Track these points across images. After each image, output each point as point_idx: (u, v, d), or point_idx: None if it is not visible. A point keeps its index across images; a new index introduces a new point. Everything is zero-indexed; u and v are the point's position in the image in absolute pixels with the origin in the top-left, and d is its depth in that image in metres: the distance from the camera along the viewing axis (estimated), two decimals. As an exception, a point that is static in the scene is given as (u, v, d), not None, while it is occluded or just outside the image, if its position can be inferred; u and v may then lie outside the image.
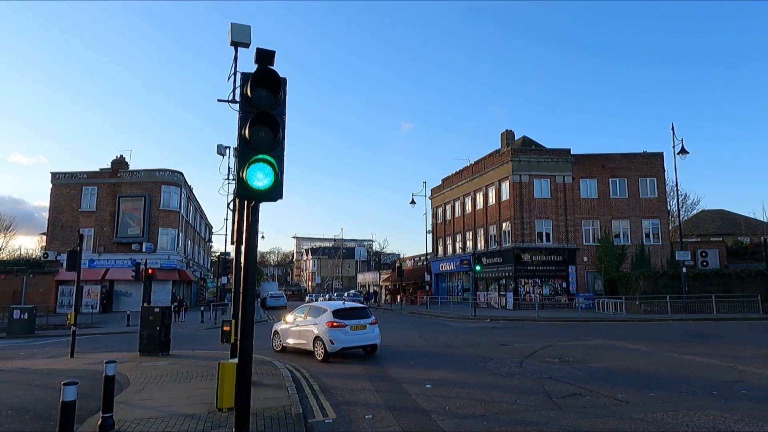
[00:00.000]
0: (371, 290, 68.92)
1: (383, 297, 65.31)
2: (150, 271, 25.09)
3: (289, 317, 15.30)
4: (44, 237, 44.48)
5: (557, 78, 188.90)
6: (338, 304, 14.47)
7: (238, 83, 8.65)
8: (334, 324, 13.11)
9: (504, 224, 38.42)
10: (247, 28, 7.53)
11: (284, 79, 5.32)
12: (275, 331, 15.69)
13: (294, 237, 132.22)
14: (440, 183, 50.88)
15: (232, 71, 8.99)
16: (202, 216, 59.27)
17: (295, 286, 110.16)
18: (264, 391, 9.21)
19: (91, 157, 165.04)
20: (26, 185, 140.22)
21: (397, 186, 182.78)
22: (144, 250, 39.62)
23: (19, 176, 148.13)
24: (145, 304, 17.85)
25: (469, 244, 43.55)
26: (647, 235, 36.62)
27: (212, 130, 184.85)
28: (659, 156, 37.66)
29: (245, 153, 5.04)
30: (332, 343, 12.99)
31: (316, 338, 13.42)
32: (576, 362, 12.31)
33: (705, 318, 25.00)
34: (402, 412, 8.03)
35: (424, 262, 53.27)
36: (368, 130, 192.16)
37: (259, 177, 4.94)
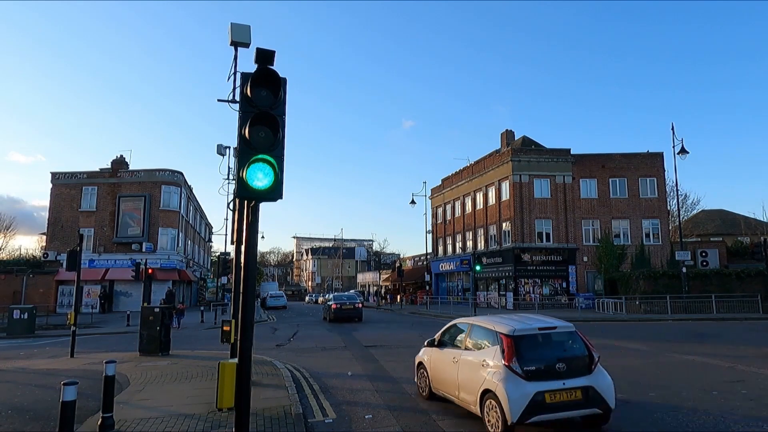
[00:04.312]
0: (380, 290, 67.54)
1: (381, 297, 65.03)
2: (150, 271, 25.08)
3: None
4: (44, 237, 44.46)
5: (559, 76, 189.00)
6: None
7: (238, 83, 8.65)
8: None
9: (504, 224, 38.43)
10: (247, 28, 7.53)
11: (284, 79, 5.32)
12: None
13: (294, 237, 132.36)
14: (440, 183, 50.90)
15: (232, 71, 9.00)
16: (202, 216, 59.27)
17: (295, 286, 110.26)
18: (264, 391, 9.22)
19: (91, 157, 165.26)
20: (25, 184, 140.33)
21: (398, 186, 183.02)
22: (144, 250, 39.61)
23: (17, 175, 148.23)
24: (145, 304, 17.84)
25: (469, 244, 43.56)
26: (647, 235, 36.63)
27: (212, 130, 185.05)
28: (659, 156, 37.68)
29: (245, 153, 5.04)
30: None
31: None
32: (576, 362, 12.29)
33: (705, 318, 25.00)
34: (402, 412, 8.04)
35: (424, 262, 53.28)
36: (369, 129, 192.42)
37: (259, 177, 4.94)
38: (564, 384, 6.54)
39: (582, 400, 6.57)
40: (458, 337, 8.20)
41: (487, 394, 6.80)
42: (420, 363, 9.25)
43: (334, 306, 27.92)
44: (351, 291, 65.71)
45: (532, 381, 6.47)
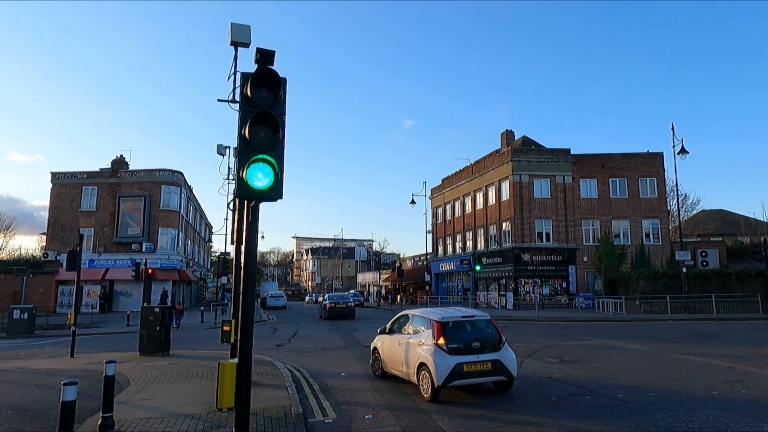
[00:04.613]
0: (381, 290, 67.31)
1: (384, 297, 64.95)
2: (150, 271, 25.11)
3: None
4: (44, 237, 44.46)
5: (559, 76, 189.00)
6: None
7: (238, 83, 8.64)
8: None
9: (504, 224, 38.43)
10: (247, 28, 7.53)
11: (284, 79, 5.32)
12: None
13: (294, 237, 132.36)
14: (440, 183, 50.89)
15: (232, 71, 9.00)
16: (202, 216, 59.27)
17: (295, 286, 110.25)
18: (264, 391, 9.22)
19: (91, 157, 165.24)
20: (24, 184, 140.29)
21: (398, 186, 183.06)
22: (144, 250, 39.61)
23: (17, 175, 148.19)
24: (145, 304, 17.85)
25: (469, 244, 43.56)
26: (647, 235, 36.62)
27: (212, 130, 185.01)
28: (659, 156, 37.67)
29: (245, 153, 5.05)
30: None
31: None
32: (576, 362, 12.31)
33: (705, 318, 25.00)
34: (402, 412, 8.04)
35: (424, 262, 53.28)
36: (369, 129, 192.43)
37: (259, 177, 4.95)
38: (478, 358, 8.68)
39: (491, 370, 8.73)
40: (404, 326, 10.25)
41: (421, 366, 8.87)
42: (374, 348, 11.25)
43: (328, 305, 31.41)
44: (351, 291, 65.79)
45: (453, 355, 8.55)
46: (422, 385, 8.86)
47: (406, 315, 10.59)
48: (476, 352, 8.75)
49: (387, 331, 10.76)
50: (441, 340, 8.67)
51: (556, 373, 10.84)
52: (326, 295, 39.76)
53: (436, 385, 8.41)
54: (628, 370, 11.14)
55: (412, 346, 9.47)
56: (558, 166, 37.43)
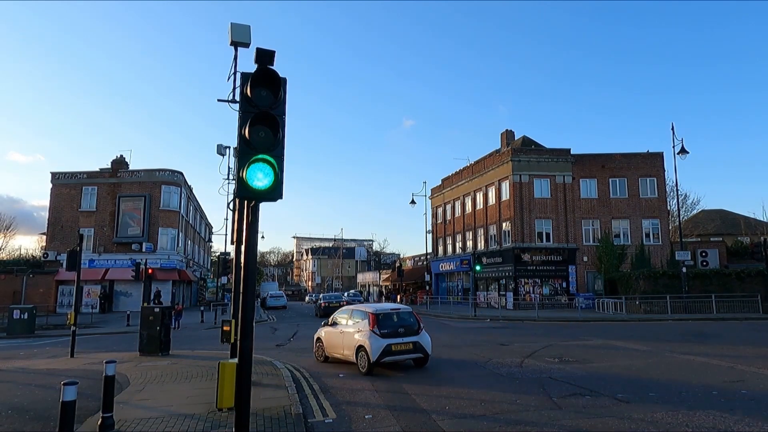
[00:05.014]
0: (382, 289, 67.07)
1: (385, 297, 64.86)
2: (150, 271, 25.06)
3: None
4: (44, 237, 44.45)
5: (559, 76, 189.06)
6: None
7: (238, 83, 8.64)
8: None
9: (504, 224, 38.42)
10: (247, 28, 7.53)
11: (284, 79, 5.32)
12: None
13: (294, 237, 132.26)
14: (440, 183, 50.88)
15: (232, 71, 9.00)
16: (202, 216, 59.26)
17: (295, 286, 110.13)
18: (264, 391, 9.22)
19: (91, 157, 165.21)
20: (24, 184, 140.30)
21: (398, 186, 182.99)
22: (144, 250, 39.60)
23: (17, 175, 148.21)
24: (145, 304, 17.85)
25: (469, 244, 43.54)
26: (647, 235, 36.60)
27: (212, 130, 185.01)
28: (659, 156, 37.65)
29: (245, 153, 5.05)
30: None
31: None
32: (576, 362, 12.32)
33: (705, 318, 24.99)
34: (402, 412, 8.04)
35: (424, 262, 53.26)
36: (369, 129, 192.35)
37: (259, 177, 4.95)
38: (403, 340, 11.38)
39: (413, 349, 11.52)
40: (343, 319, 12.85)
41: (360, 348, 11.46)
42: (318, 338, 13.73)
43: (323, 304, 35.04)
44: (351, 291, 65.79)
45: (384, 338, 11.20)
46: (360, 363, 11.42)
47: (346, 310, 13.18)
48: (401, 335, 11.43)
49: (329, 324, 13.27)
50: (375, 327, 11.31)
51: (556, 373, 10.84)
52: (321, 295, 43.03)
53: (371, 361, 10.99)
54: (628, 370, 11.14)
55: (351, 334, 11.90)
56: (558, 166, 37.42)
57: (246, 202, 5.35)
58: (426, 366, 12.13)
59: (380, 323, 11.39)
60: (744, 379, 10.00)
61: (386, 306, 12.71)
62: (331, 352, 12.88)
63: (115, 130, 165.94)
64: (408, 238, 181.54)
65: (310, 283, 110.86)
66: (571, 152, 37.83)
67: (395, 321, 11.71)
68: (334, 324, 13.00)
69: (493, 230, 40.13)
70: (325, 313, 33.13)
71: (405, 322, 11.78)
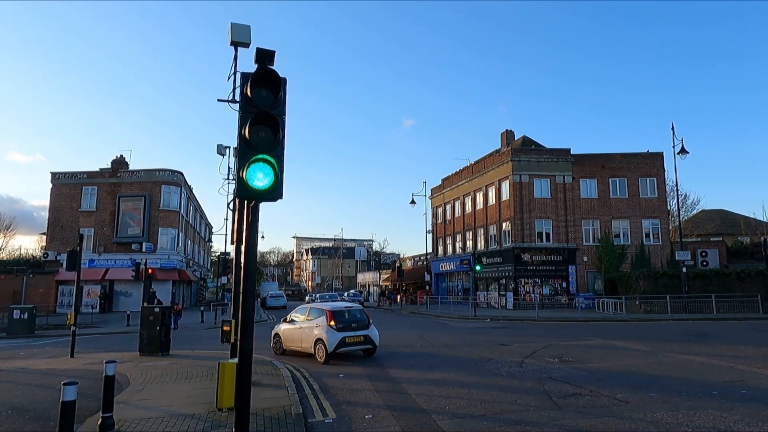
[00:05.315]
0: (383, 289, 66.93)
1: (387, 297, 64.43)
2: (150, 271, 25.05)
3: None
4: (44, 237, 44.44)
5: (559, 76, 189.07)
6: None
7: (238, 83, 8.64)
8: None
9: (504, 224, 38.42)
10: (247, 28, 7.53)
11: (284, 79, 5.32)
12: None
13: (294, 237, 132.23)
14: (440, 183, 50.88)
15: (232, 71, 8.99)
16: (202, 216, 59.24)
17: (295, 286, 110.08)
18: (264, 391, 9.22)
19: (90, 157, 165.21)
20: (24, 184, 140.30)
21: (398, 186, 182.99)
22: (144, 250, 39.59)
23: (17, 175, 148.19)
24: (145, 304, 17.85)
25: (469, 244, 43.54)
26: (647, 235, 36.60)
27: (212, 130, 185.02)
28: (659, 156, 37.65)
29: (245, 153, 5.05)
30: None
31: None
32: (576, 362, 12.32)
33: (705, 318, 24.99)
34: (402, 412, 8.04)
35: (424, 262, 53.25)
36: (369, 129, 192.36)
37: (259, 177, 4.95)
38: (355, 333, 13.22)
39: (363, 341, 13.36)
40: (301, 316, 14.43)
41: (318, 341, 13.10)
42: (276, 334, 15.18)
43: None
44: (351, 291, 65.81)
45: (340, 332, 12.96)
46: (318, 354, 13.04)
47: (303, 309, 14.86)
48: (354, 329, 13.25)
49: (288, 320, 14.84)
50: (332, 322, 12.99)
51: (556, 373, 10.84)
52: (317, 295, 45.25)
53: (329, 352, 12.67)
54: (628, 370, 11.14)
55: (310, 329, 13.50)
56: (558, 166, 37.42)
57: (246, 202, 5.35)
58: (426, 366, 12.14)
59: (336, 319, 13.10)
60: (744, 379, 10.00)
61: (341, 304, 14.71)
62: (289, 346, 14.46)
63: (115, 130, 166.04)
64: (408, 238, 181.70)
65: (310, 283, 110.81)
66: (571, 152, 37.83)
67: (348, 317, 13.48)
68: (292, 321, 14.59)
69: (493, 230, 40.13)
70: None
71: (357, 318, 13.64)
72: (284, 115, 5.37)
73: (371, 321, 13.86)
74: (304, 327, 13.90)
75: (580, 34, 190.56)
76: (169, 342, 14.96)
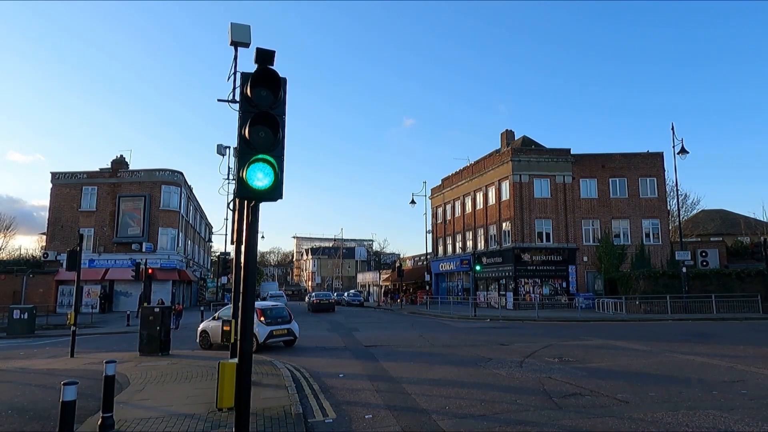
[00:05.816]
0: (385, 289, 66.84)
1: (381, 297, 64.44)
2: (150, 271, 25.10)
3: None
4: (44, 237, 44.44)
5: (559, 76, 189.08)
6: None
7: (238, 83, 8.65)
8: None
9: (504, 224, 38.41)
10: (247, 28, 7.54)
11: (284, 79, 5.32)
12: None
13: (294, 237, 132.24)
14: (440, 183, 50.87)
15: (232, 71, 9.01)
16: (202, 216, 59.24)
17: (295, 286, 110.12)
18: (264, 391, 9.22)
19: (90, 156, 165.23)
20: (24, 184, 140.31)
21: (398, 186, 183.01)
22: (144, 250, 39.60)
23: (17, 175, 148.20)
24: (145, 304, 17.84)
25: (469, 244, 43.54)
26: (647, 235, 36.60)
27: (212, 130, 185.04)
28: (659, 156, 37.65)
29: (245, 153, 5.05)
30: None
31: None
32: (576, 362, 12.31)
33: (705, 318, 24.99)
34: (402, 412, 8.03)
35: (424, 262, 53.24)
36: (369, 129, 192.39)
37: (259, 177, 4.95)
38: (281, 327, 15.87)
39: (287, 333, 16.07)
40: (229, 314, 15.50)
41: None
42: (203, 330, 16.66)
43: (315, 301, 40.49)
44: (351, 291, 65.80)
45: (268, 326, 15.50)
46: None
47: (230, 307, 15.95)
48: (279, 324, 15.90)
49: (216, 318, 16.39)
50: (262, 318, 15.44)
51: (556, 373, 10.84)
52: (313, 293, 47.81)
53: (260, 343, 14.92)
54: (628, 370, 11.13)
55: None
56: (558, 166, 37.41)
57: (246, 202, 5.35)
58: (426, 366, 12.12)
59: (265, 315, 15.66)
60: (744, 379, 10.00)
61: (268, 303, 17.81)
62: (216, 341, 15.73)
63: (115, 130, 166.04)
64: (408, 238, 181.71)
65: (310, 283, 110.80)
66: (571, 152, 37.83)
67: (274, 313, 16.14)
68: (219, 319, 16.04)
69: (493, 230, 40.13)
70: (316, 309, 38.75)
71: (281, 314, 16.33)
72: (284, 115, 5.37)
73: (293, 317, 16.75)
74: (232, 323, 15.49)
75: (580, 34, 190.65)
76: (169, 342, 14.96)
